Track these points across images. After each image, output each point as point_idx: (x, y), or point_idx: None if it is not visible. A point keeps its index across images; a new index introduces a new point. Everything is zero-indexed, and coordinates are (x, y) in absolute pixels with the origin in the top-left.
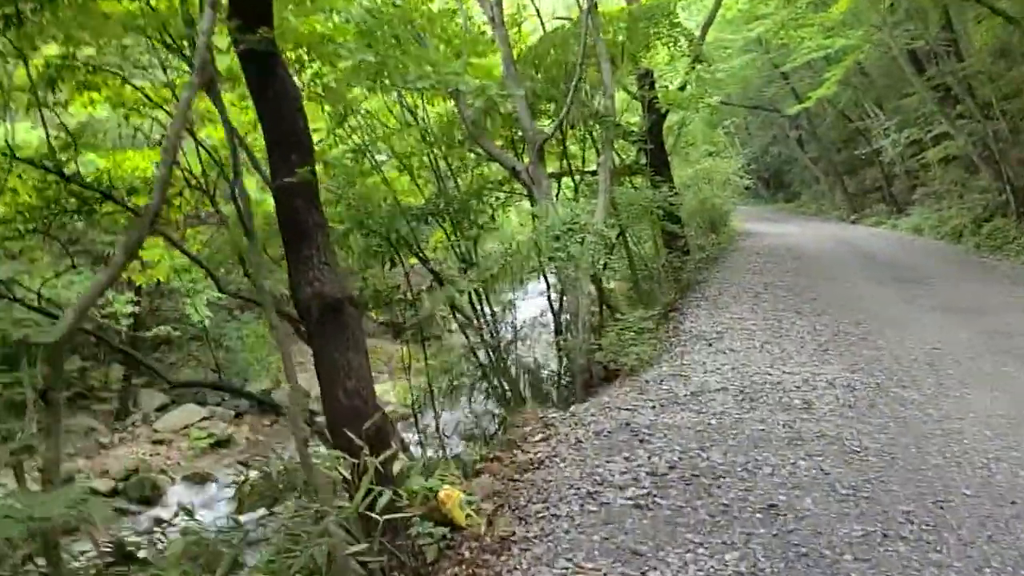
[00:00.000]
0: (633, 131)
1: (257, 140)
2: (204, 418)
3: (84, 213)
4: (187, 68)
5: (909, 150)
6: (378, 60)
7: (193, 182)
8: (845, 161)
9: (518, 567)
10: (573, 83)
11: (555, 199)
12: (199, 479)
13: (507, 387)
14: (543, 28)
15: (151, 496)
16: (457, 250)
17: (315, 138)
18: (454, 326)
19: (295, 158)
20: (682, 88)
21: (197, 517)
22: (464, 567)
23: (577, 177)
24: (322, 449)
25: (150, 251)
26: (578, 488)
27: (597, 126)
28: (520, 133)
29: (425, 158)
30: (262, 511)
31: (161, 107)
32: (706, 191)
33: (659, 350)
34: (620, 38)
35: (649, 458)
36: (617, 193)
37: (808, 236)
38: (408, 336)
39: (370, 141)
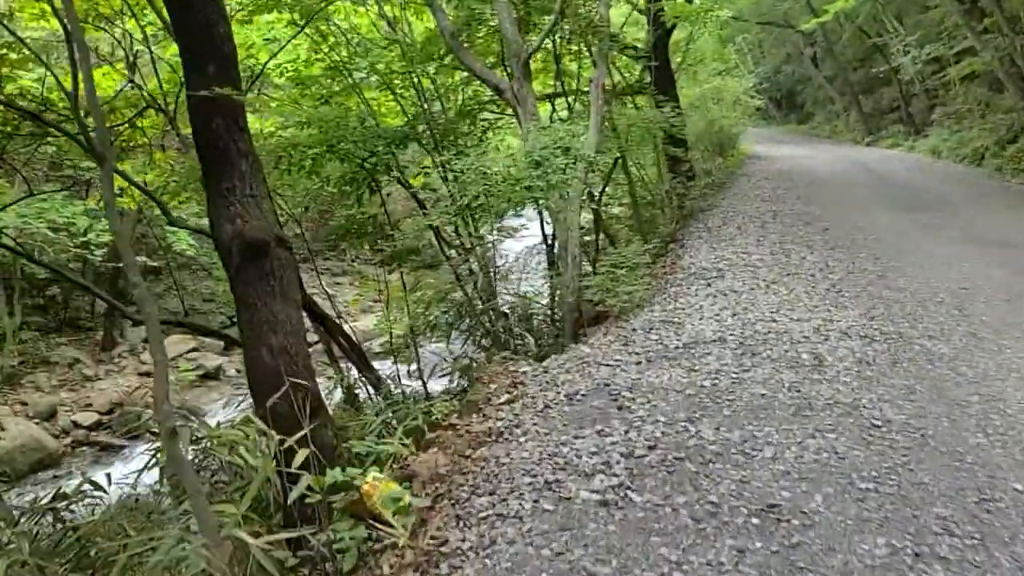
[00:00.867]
0: (636, 47)
1: None
2: (193, 349)
3: (34, 136)
4: None
5: (929, 67)
6: None
7: (154, 104)
8: (861, 80)
9: None
10: None
11: (551, 121)
12: (187, 412)
13: (486, 328)
14: None
15: (136, 431)
16: (442, 176)
17: (290, 58)
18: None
19: (213, 69)
20: (690, 0)
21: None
22: None
23: (571, 98)
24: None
25: (118, 179)
26: (535, 475)
27: (593, 39)
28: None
29: (410, 77)
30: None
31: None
32: (714, 112)
33: (652, 289)
34: None
35: (626, 432)
36: (616, 114)
37: (821, 159)
38: (385, 266)
39: (347, 57)
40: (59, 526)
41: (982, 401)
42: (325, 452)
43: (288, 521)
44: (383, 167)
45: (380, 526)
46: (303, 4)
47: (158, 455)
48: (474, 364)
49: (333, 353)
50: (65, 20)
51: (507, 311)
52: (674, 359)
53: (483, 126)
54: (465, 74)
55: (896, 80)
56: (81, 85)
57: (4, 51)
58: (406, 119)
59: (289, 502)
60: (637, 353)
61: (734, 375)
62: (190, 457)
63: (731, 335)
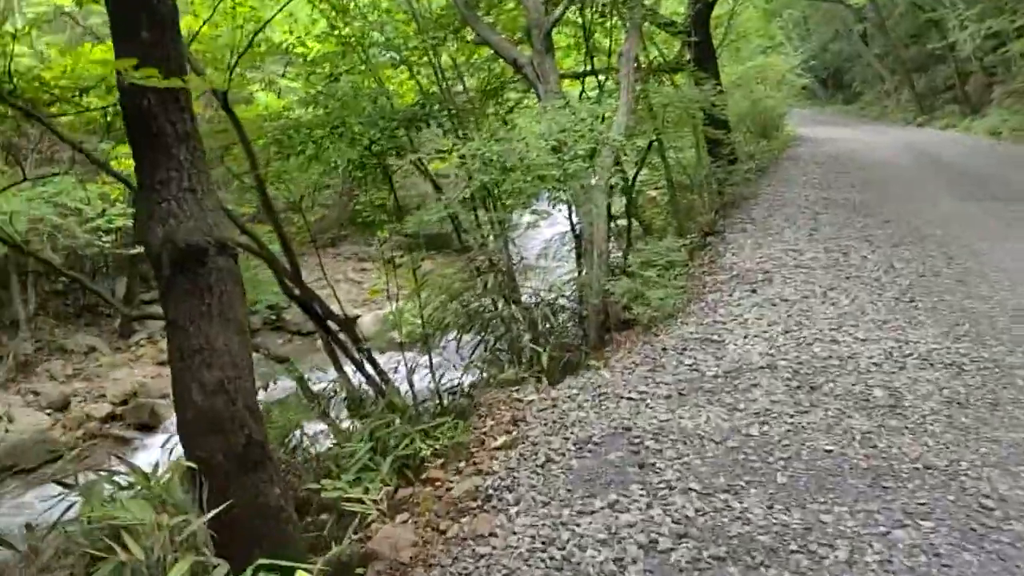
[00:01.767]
0: (675, 21)
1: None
2: None
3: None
4: None
5: (989, 43)
6: None
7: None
8: (914, 57)
9: None
10: None
11: (578, 99)
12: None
13: (503, 330)
14: None
15: (149, 422)
16: (459, 160)
17: (302, 31)
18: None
19: (146, 35)
20: None
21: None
22: None
23: (603, 77)
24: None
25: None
26: None
27: (624, 7)
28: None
29: (427, 53)
30: None
31: None
32: (758, 92)
33: (688, 294)
34: None
35: (647, 507)
36: (652, 93)
37: (872, 141)
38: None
39: (360, 31)
40: None
41: None
42: (268, 519)
43: None
44: (395, 150)
45: None
46: None
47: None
48: (482, 375)
49: (336, 355)
50: None
51: (521, 314)
52: (712, 393)
53: (507, 106)
54: (491, 51)
55: (952, 57)
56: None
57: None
58: (421, 99)
59: None
60: (667, 383)
61: (789, 419)
62: None
63: (783, 360)
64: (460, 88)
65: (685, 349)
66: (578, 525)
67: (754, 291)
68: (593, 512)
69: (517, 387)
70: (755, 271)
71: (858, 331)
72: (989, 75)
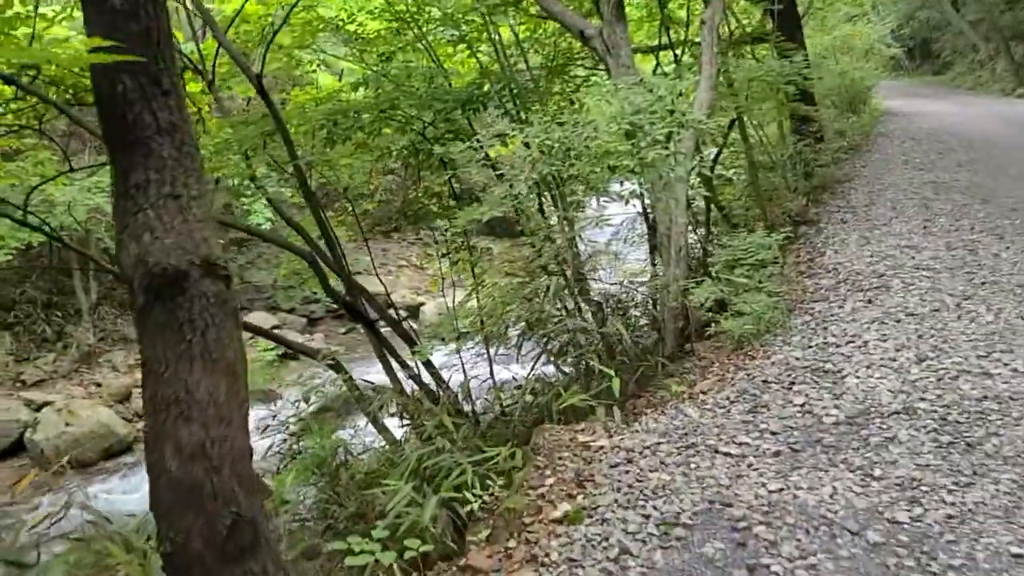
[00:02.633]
0: None
1: None
2: (275, 326)
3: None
4: None
5: None
6: None
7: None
8: (1011, 24)
9: None
10: None
11: (654, 75)
12: (262, 396)
13: (567, 339)
14: None
15: None
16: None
17: (354, 6)
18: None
19: (121, 2)
20: None
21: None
22: None
23: (679, 50)
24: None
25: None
26: None
27: None
28: None
29: (486, 27)
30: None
31: None
32: (844, 63)
33: (785, 302)
34: None
35: None
36: (732, 67)
37: (971, 115)
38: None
39: (416, 4)
40: None
41: None
42: None
43: None
44: (452, 135)
45: None
46: None
47: None
48: (543, 392)
49: (387, 359)
50: None
51: (590, 323)
52: (836, 449)
53: (574, 84)
54: (555, 25)
55: None
56: None
57: None
58: (480, 78)
59: None
60: (773, 432)
61: (948, 497)
62: None
63: (923, 402)
64: (523, 66)
65: (793, 383)
66: None
67: (870, 301)
68: None
69: (583, 426)
70: (867, 274)
71: (1013, 358)
72: None
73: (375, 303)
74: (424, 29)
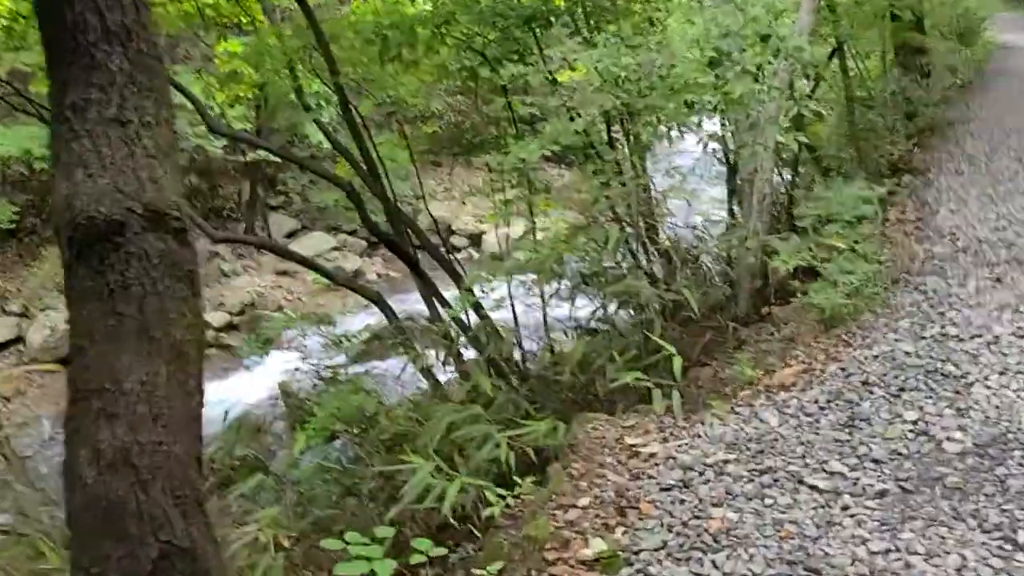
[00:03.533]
0: None
1: None
2: (334, 248)
3: None
4: None
5: None
6: None
7: None
8: None
9: None
10: None
11: None
12: (316, 320)
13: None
14: None
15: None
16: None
17: None
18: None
19: None
20: None
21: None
22: None
23: None
24: None
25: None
26: None
27: None
28: None
29: None
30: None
31: None
32: None
33: (884, 274)
34: None
35: None
36: None
37: None
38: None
39: None
40: None
41: None
42: None
43: None
44: (516, 55)
45: None
46: None
47: None
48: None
49: (433, 303)
50: None
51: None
52: (963, 495)
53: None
54: None
55: None
56: None
57: None
58: None
59: None
60: (875, 460)
61: None
62: None
63: None
64: None
65: (902, 388)
66: None
67: (999, 280)
68: None
69: (632, 422)
70: (993, 243)
71: None
72: None
73: (423, 236)
74: None
